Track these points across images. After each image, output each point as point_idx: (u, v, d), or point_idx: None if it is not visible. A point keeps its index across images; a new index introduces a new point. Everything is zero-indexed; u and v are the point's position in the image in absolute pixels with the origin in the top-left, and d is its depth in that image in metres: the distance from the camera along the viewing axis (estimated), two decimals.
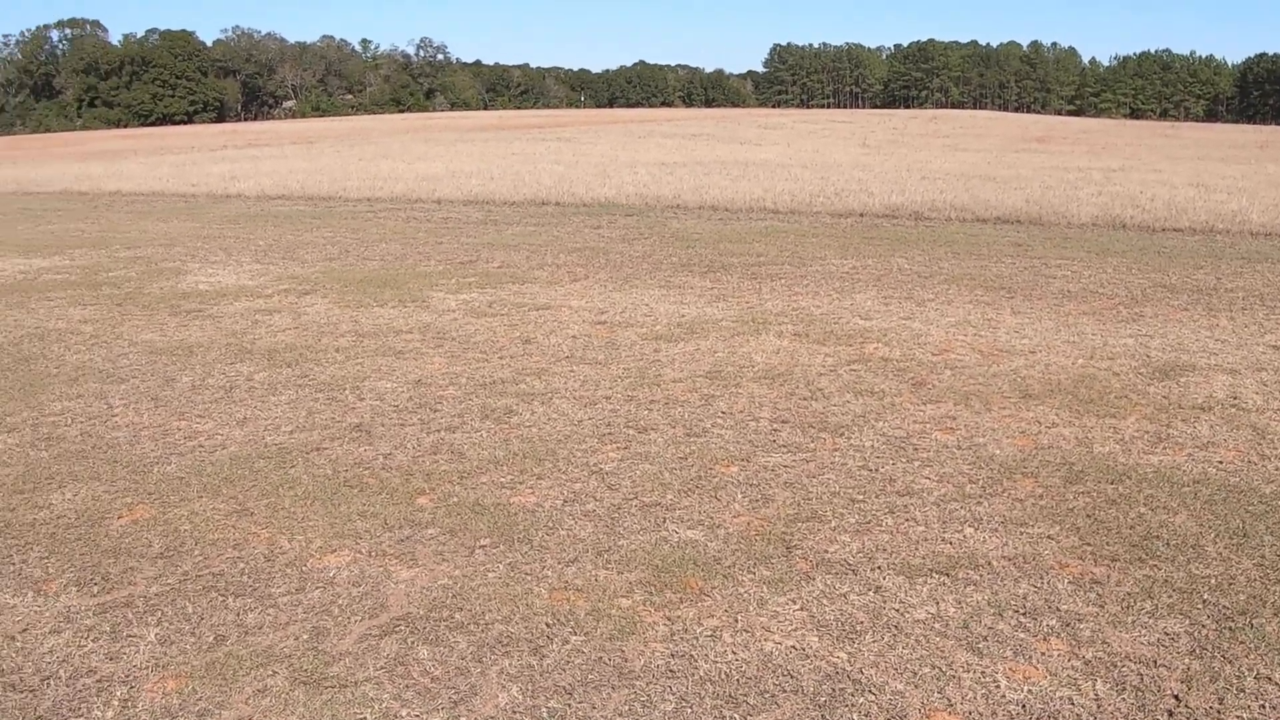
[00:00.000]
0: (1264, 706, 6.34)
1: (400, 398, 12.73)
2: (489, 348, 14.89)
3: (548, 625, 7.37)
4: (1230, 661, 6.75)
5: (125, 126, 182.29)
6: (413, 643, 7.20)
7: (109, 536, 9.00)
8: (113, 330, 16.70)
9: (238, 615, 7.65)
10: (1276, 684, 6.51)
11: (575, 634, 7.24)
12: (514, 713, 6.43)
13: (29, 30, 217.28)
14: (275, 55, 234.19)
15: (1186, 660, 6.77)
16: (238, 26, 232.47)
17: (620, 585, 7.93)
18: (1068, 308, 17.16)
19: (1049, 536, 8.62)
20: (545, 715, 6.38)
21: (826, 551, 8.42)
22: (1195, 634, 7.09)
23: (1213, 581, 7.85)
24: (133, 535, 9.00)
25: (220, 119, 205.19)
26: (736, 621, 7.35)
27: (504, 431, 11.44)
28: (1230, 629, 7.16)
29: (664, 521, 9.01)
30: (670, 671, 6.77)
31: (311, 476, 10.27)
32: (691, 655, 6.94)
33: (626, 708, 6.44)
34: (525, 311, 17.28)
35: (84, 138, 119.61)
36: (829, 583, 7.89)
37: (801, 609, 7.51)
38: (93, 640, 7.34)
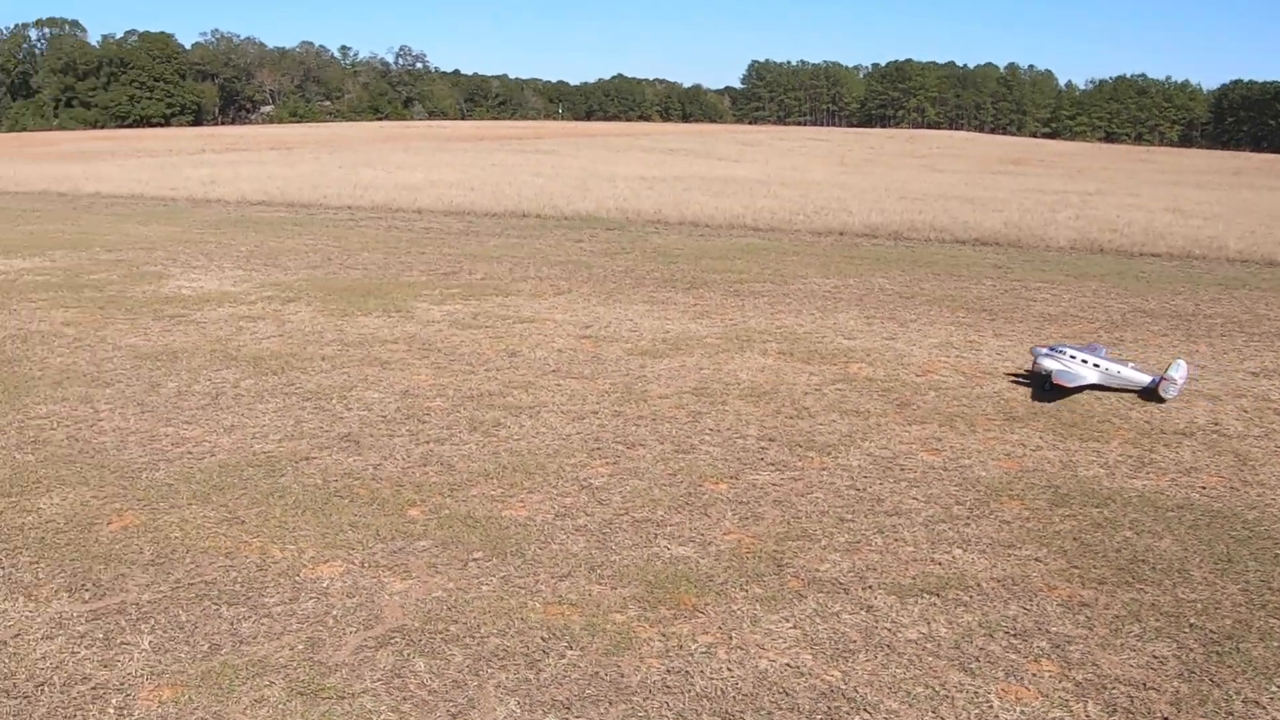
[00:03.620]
0: None
1: (388, 408, 12.73)
2: (475, 359, 14.89)
3: (543, 639, 7.40)
4: (1218, 685, 6.83)
5: (102, 127, 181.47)
6: (409, 655, 7.23)
7: (99, 542, 8.99)
8: (96, 334, 16.65)
9: (232, 625, 7.66)
10: (1264, 708, 6.60)
11: (571, 648, 7.28)
12: None
13: (7, 29, 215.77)
14: (254, 60, 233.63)
15: (1175, 683, 6.85)
16: (217, 30, 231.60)
17: (614, 601, 7.97)
18: (1048, 330, 17.28)
19: (1037, 559, 8.70)
20: None
21: (817, 570, 8.47)
22: (1183, 657, 7.17)
23: (1199, 606, 7.94)
24: (123, 542, 8.99)
25: (197, 122, 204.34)
26: (731, 639, 7.40)
27: (492, 444, 11.46)
28: (1218, 653, 7.24)
29: (655, 538, 9.06)
30: (666, 687, 6.81)
31: (301, 486, 10.28)
32: (687, 671, 6.98)
33: None
34: (510, 324, 17.30)
35: (60, 138, 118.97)
36: (821, 601, 7.95)
37: (795, 627, 7.57)
38: (86, 647, 7.34)
